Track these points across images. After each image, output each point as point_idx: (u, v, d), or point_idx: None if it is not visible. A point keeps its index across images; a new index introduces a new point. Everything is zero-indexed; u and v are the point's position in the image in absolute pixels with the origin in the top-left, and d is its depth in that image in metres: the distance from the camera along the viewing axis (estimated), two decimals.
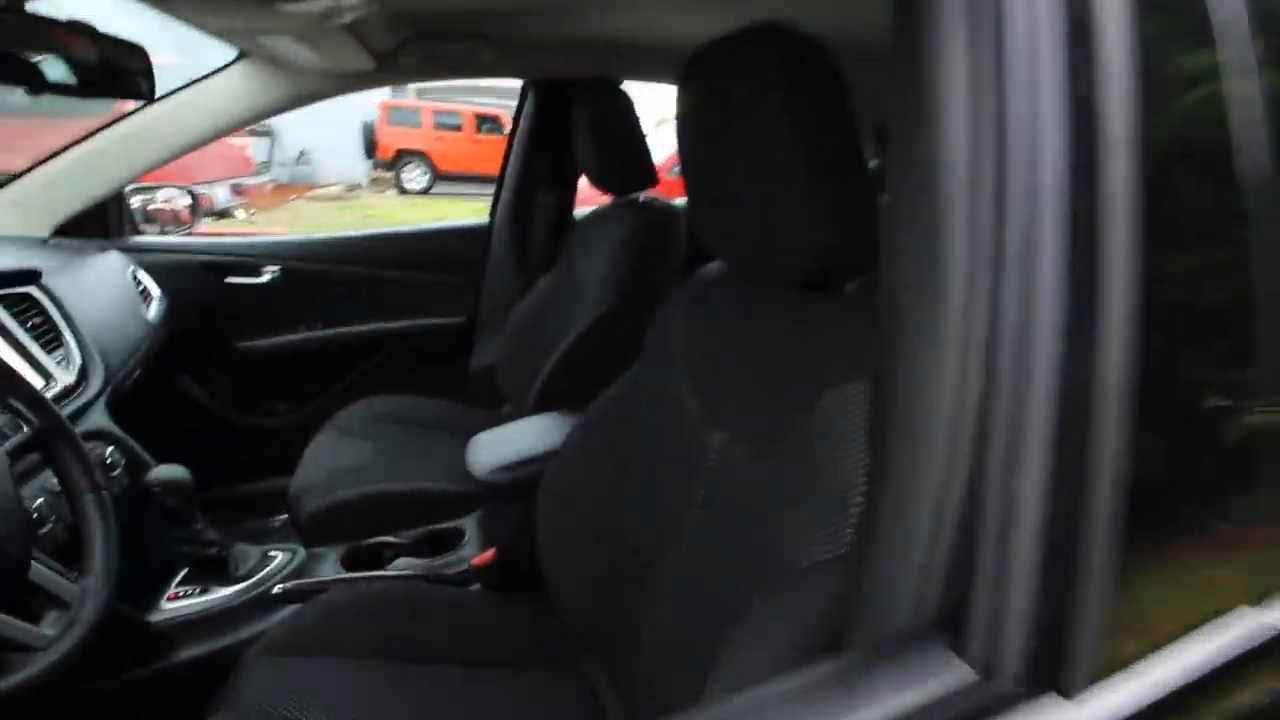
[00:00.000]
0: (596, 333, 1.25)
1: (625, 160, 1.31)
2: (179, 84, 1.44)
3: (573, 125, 1.37)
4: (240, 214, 5.55)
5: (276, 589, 1.01)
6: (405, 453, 1.39)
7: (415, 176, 10.72)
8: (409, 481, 1.27)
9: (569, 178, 1.76)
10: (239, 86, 1.44)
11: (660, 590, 0.72)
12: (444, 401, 1.66)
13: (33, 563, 0.61)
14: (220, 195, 5.10)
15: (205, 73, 1.44)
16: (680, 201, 1.40)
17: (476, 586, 1.10)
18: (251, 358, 1.69)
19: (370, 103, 10.22)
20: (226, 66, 1.44)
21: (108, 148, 1.42)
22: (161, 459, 1.69)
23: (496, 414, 1.71)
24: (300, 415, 1.78)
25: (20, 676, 0.52)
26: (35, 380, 0.97)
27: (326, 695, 0.73)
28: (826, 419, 0.54)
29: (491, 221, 1.83)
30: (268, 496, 1.75)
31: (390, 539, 1.22)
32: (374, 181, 10.76)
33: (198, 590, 1.04)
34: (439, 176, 10.76)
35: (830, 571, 0.50)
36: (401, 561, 1.18)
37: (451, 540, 1.24)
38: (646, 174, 1.34)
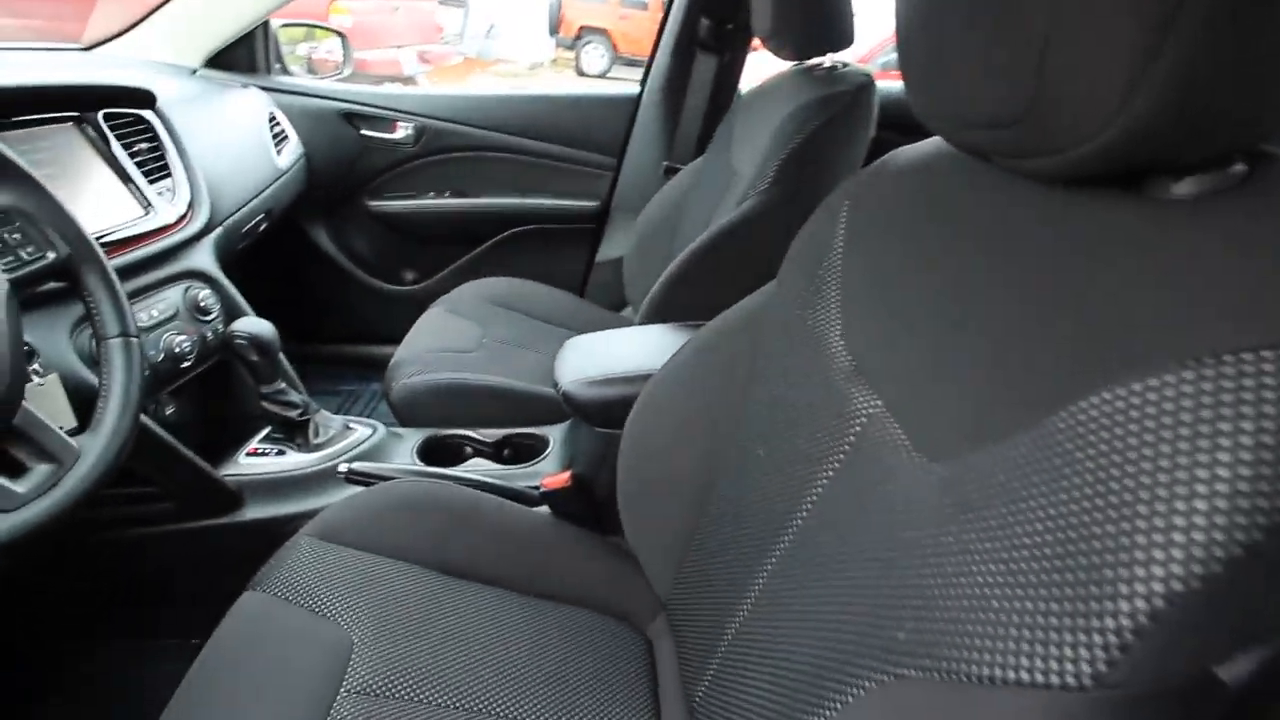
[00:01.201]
0: (738, 232, 1.00)
1: (811, 8, 0.99)
2: None
3: None
4: (423, 81, 5.69)
5: (341, 468, 0.94)
6: (509, 343, 1.27)
7: (593, 59, 10.44)
8: (501, 377, 1.15)
9: (737, 39, 1.43)
10: None
11: (757, 594, 0.52)
12: (563, 292, 1.51)
13: (24, 406, 0.53)
14: (407, 62, 5.21)
15: None
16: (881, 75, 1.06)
17: (545, 509, 0.97)
18: (379, 219, 1.64)
19: None
20: None
21: None
22: (276, 310, 1.75)
23: (615, 316, 1.54)
24: (421, 284, 1.73)
25: None
26: (132, 209, 0.93)
27: (364, 592, 0.68)
28: (1112, 421, 0.27)
29: (640, 93, 1.57)
30: (374, 361, 1.76)
31: (472, 434, 1.12)
32: (554, 61, 10.65)
33: (275, 451, 1.01)
34: (618, 59, 10.40)
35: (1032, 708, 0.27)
36: (475, 463, 1.07)
37: (534, 449, 1.11)
38: (839, 30, 1.01)
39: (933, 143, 0.54)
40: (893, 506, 0.40)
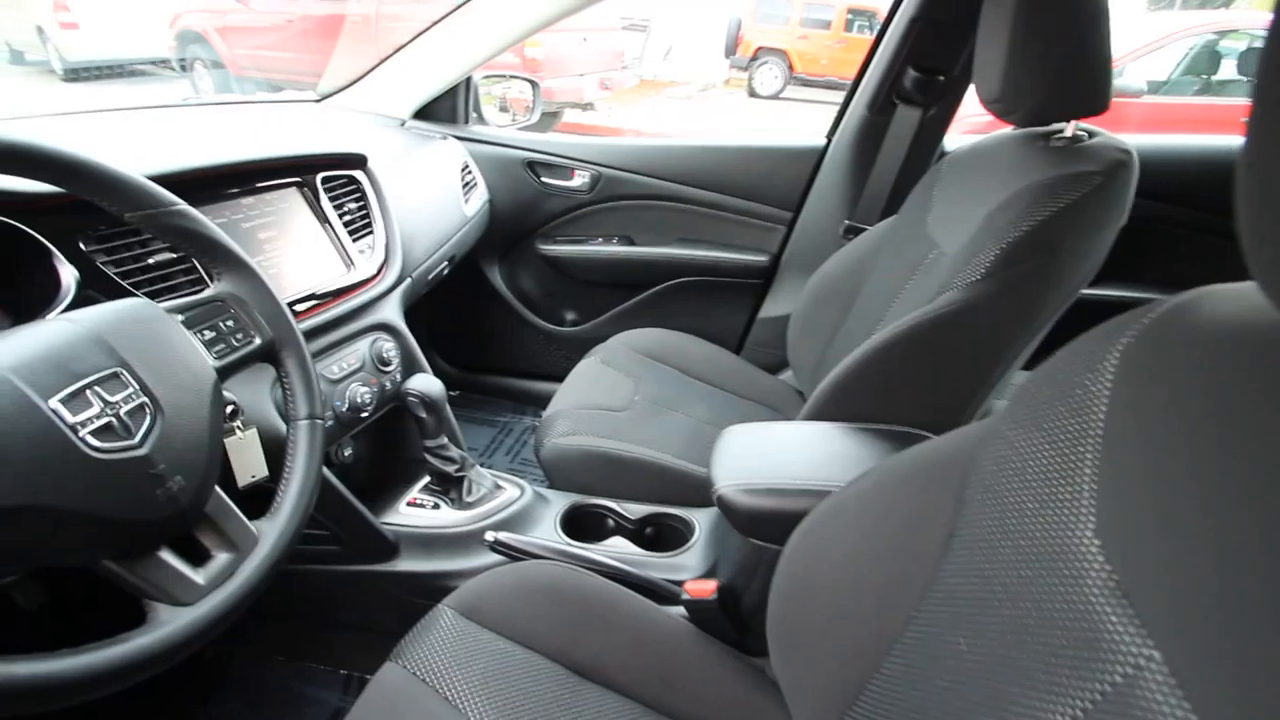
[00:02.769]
0: (935, 328, 0.86)
1: (1062, 63, 0.82)
2: None
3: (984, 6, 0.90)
4: (600, 108, 5.93)
5: (488, 536, 0.94)
6: (660, 403, 1.22)
7: (768, 79, 10.32)
8: (650, 447, 1.10)
9: (949, 93, 1.27)
10: None
11: None
12: (719, 349, 1.44)
13: (216, 492, 0.56)
14: (588, 89, 5.46)
15: None
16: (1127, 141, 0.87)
17: (682, 611, 0.90)
18: (548, 261, 1.68)
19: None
20: None
21: (458, 33, 1.42)
22: (445, 340, 1.83)
23: (773, 379, 1.44)
24: (581, 327, 1.75)
25: (137, 644, 0.46)
26: (336, 266, 1.00)
27: (493, 684, 0.68)
28: None
29: (826, 145, 1.46)
30: (531, 396, 1.80)
31: (616, 508, 1.08)
32: (726, 82, 10.67)
33: (431, 504, 1.04)
34: (793, 79, 10.21)
35: None
36: (616, 542, 1.03)
37: (678, 534, 1.05)
38: (1094, 91, 0.83)
39: (1250, 293, 0.39)
40: None
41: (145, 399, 0.51)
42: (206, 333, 0.62)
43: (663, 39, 9.84)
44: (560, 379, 1.87)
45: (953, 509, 0.54)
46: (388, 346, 1.04)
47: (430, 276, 1.27)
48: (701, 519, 1.05)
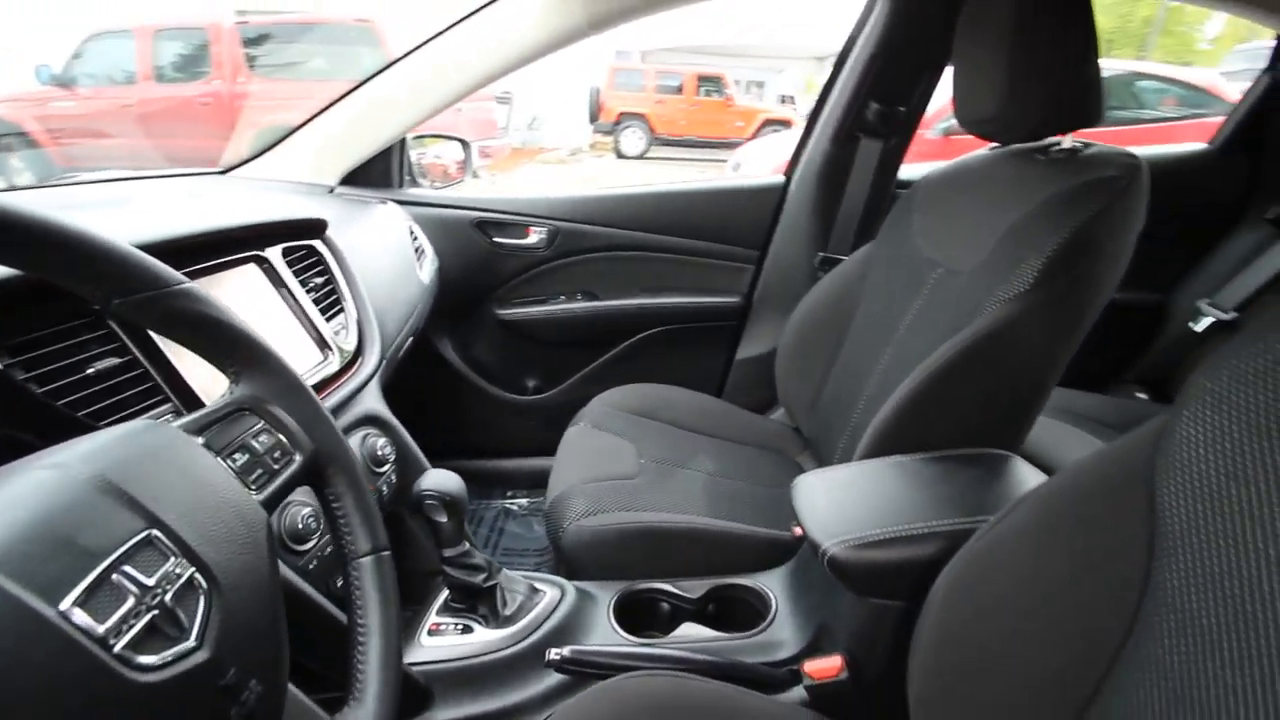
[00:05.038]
0: (990, 344, 0.83)
1: (1059, 78, 0.84)
2: None
3: (958, 37, 0.93)
4: (483, 175, 5.86)
5: (552, 655, 0.77)
6: (668, 463, 1.12)
7: (632, 141, 10.81)
8: (682, 514, 0.98)
9: (909, 124, 1.32)
10: (526, 17, 1.21)
11: None
12: (704, 395, 1.37)
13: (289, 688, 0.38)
14: (471, 157, 5.39)
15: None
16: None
17: (801, 692, 0.78)
18: (507, 326, 1.53)
19: (598, 68, 10.46)
20: None
21: (389, 93, 1.29)
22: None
23: (766, 420, 1.38)
24: (550, 394, 1.60)
25: None
26: (312, 352, 0.82)
27: None
28: None
29: (787, 180, 1.47)
30: (497, 478, 1.62)
31: (670, 588, 0.94)
32: (592, 146, 11.04)
33: (459, 627, 0.85)
34: (655, 140, 10.75)
35: None
36: (689, 630, 0.89)
37: (747, 606, 0.93)
38: (1091, 103, 0.86)
39: None
40: None
41: (193, 569, 0.34)
42: (238, 456, 0.44)
43: (526, 109, 10.04)
44: (529, 453, 1.71)
45: (1147, 524, 0.47)
46: (380, 443, 0.86)
47: (400, 356, 1.09)
48: (772, 584, 0.94)
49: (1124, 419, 1.40)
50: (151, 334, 0.61)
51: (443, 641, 0.83)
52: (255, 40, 4.67)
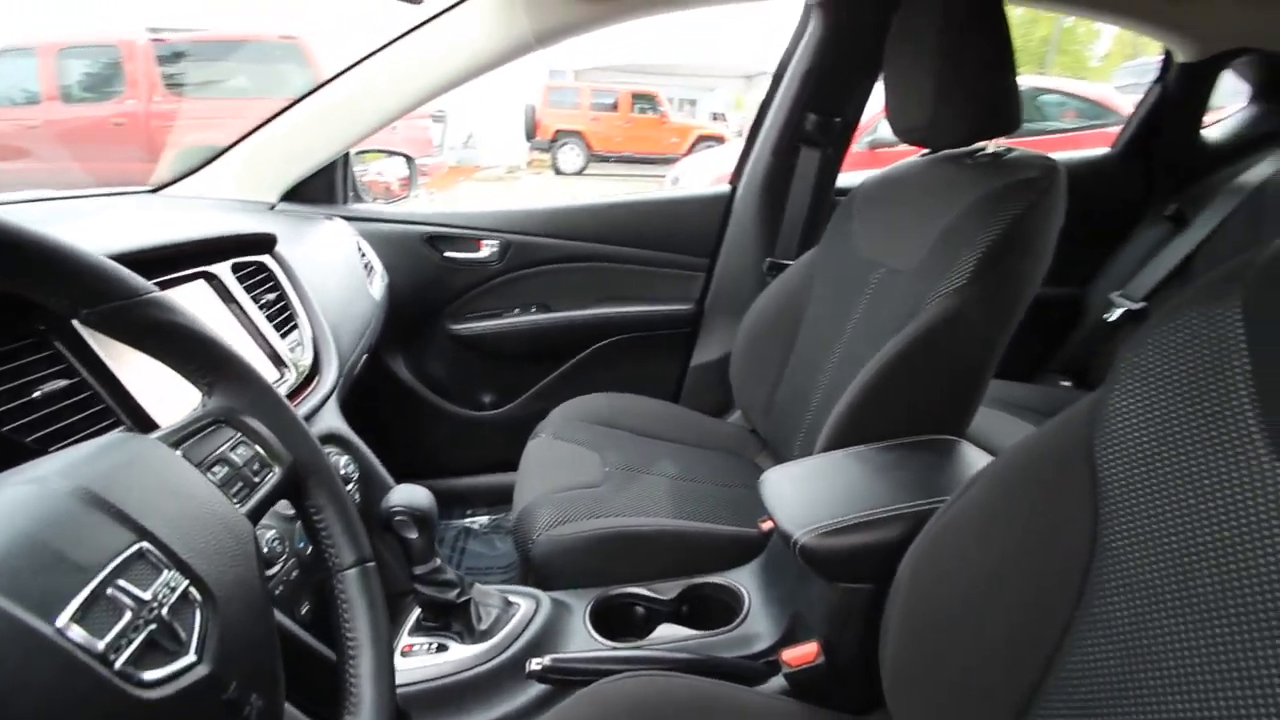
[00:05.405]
0: (933, 336, 0.88)
1: (983, 89, 0.91)
2: None
3: (888, 51, 0.99)
4: (423, 194, 5.76)
5: (533, 665, 0.76)
6: (633, 469, 1.13)
7: (570, 158, 10.85)
8: (651, 517, 0.99)
9: (845, 134, 1.39)
10: (475, 27, 1.22)
11: None
12: (661, 402, 1.39)
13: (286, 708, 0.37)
14: (415, 172, 5.30)
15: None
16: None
17: (781, 682, 0.80)
18: (460, 341, 1.52)
19: (533, 87, 10.48)
20: (460, 3, 1.23)
21: (332, 108, 1.26)
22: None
23: (724, 423, 1.41)
24: (506, 408, 1.59)
25: None
26: (268, 372, 0.79)
27: None
28: None
29: (733, 190, 1.52)
30: (452, 497, 1.59)
31: (645, 591, 0.95)
32: (530, 164, 11.03)
33: (434, 646, 0.83)
34: (592, 157, 10.84)
35: None
36: (666, 631, 0.90)
37: (721, 603, 0.94)
38: (1010, 111, 0.93)
39: None
40: None
41: (187, 581, 0.33)
42: (217, 469, 0.43)
43: (461, 127, 9.94)
44: (487, 470, 1.68)
45: (1091, 492, 0.52)
46: (343, 461, 0.84)
47: (356, 375, 1.07)
48: (743, 580, 0.96)
49: (1052, 406, 1.50)
50: (100, 354, 0.58)
51: (417, 663, 0.81)
52: (172, 58, 4.47)
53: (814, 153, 1.39)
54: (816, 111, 1.35)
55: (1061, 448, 0.57)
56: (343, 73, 1.24)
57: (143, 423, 0.59)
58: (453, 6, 1.20)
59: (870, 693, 0.65)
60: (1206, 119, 1.66)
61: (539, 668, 0.76)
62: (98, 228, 0.78)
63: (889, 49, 0.98)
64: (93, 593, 0.29)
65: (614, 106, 11.11)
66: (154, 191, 1.26)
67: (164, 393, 0.62)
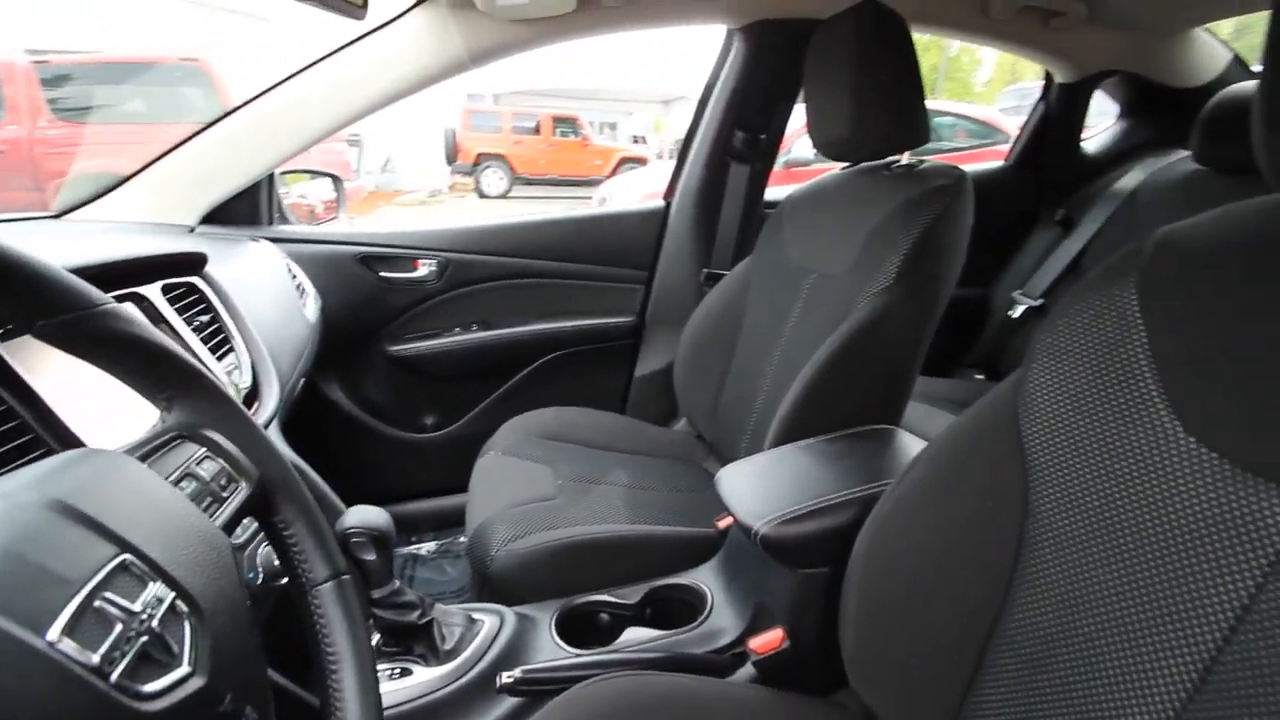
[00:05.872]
0: (866, 335, 0.94)
1: (894, 107, 0.99)
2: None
3: (807, 73, 1.06)
4: (343, 218, 5.57)
5: (504, 678, 0.75)
6: (585, 480, 1.13)
7: (494, 181, 10.78)
8: (609, 524, 1.00)
9: (770, 150, 1.46)
10: (409, 45, 1.21)
11: None
12: (609, 414, 1.40)
13: None
14: (343, 194, 5.11)
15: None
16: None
17: (750, 671, 0.82)
18: (399, 362, 1.48)
19: (451, 110, 10.37)
20: (392, 22, 1.22)
21: (255, 128, 1.22)
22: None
23: (671, 431, 1.44)
24: (449, 429, 1.56)
25: None
26: None
27: None
28: None
29: (667, 205, 1.56)
30: (408, 521, 1.54)
31: (608, 598, 0.95)
32: (452, 187, 10.87)
33: (396, 671, 0.80)
34: (516, 179, 10.80)
35: None
36: (634, 634, 0.91)
37: (683, 603, 0.96)
38: (918, 127, 1.01)
39: (1219, 216, 0.49)
40: None
41: (173, 593, 0.32)
42: (185, 484, 0.41)
43: (378, 151, 9.69)
44: (431, 494, 1.63)
45: (1019, 462, 0.57)
46: None
47: (294, 400, 1.03)
48: (704, 578, 0.98)
49: (969, 398, 1.61)
50: (21, 375, 0.54)
51: (384, 688, 0.78)
52: (56, 81, 4.15)
53: (743, 168, 1.45)
54: (743, 129, 1.42)
55: (990, 424, 0.63)
56: (268, 90, 1.21)
57: (70, 447, 0.55)
58: (384, 25, 1.19)
59: (834, 674, 0.67)
60: (1084, 134, 1.86)
61: (510, 680, 0.75)
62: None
63: (808, 70, 1.05)
64: (81, 605, 0.27)
65: (536, 130, 11.14)
66: (57, 217, 1.17)
67: (95, 417, 0.58)
